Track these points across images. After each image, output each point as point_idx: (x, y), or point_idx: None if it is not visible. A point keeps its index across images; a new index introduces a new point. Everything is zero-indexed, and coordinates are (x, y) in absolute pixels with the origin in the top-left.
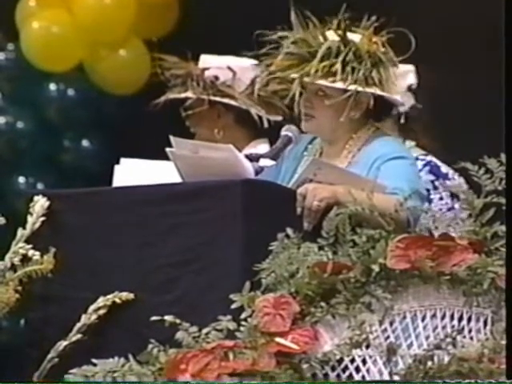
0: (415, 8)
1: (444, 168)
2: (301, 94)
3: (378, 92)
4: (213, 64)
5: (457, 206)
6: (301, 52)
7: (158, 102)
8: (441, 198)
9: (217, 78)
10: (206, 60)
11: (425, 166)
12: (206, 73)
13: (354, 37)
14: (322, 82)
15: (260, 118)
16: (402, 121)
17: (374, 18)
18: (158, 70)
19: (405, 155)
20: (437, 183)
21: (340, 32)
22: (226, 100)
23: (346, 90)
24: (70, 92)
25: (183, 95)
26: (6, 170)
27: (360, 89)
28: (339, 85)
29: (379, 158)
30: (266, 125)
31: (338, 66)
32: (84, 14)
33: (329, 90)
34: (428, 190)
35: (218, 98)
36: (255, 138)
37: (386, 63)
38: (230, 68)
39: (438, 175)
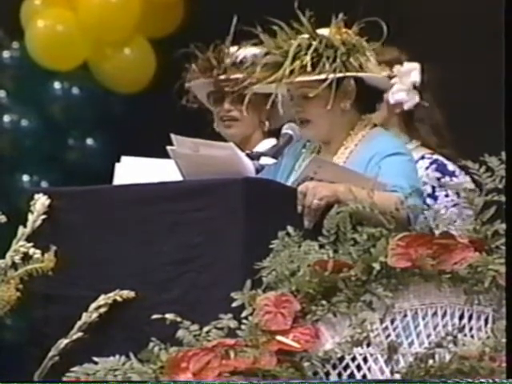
0: (417, 7)
1: (451, 166)
2: (292, 99)
3: (359, 75)
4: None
5: (461, 201)
6: (276, 59)
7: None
8: (446, 195)
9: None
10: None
11: (431, 163)
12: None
13: (324, 31)
14: (301, 78)
15: None
16: (406, 107)
17: (341, 14)
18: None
19: (402, 151)
20: (443, 180)
21: (308, 27)
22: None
23: (326, 80)
24: (75, 90)
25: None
26: (11, 168)
27: (340, 74)
28: (318, 76)
29: (377, 154)
30: None
31: (309, 58)
32: (89, 12)
33: (312, 86)
34: (433, 188)
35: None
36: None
37: (362, 49)
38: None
39: (444, 173)
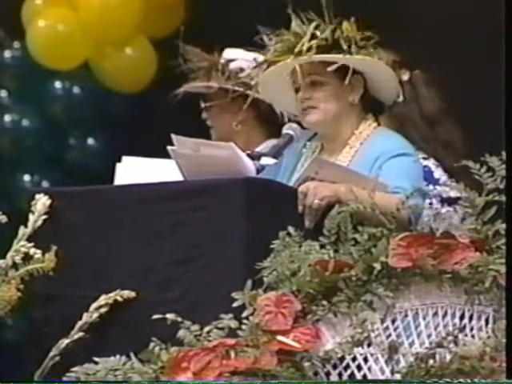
0: (417, 8)
1: (437, 173)
2: (297, 90)
3: (374, 61)
4: (238, 56)
5: (444, 211)
6: (290, 41)
7: (178, 92)
8: (430, 204)
9: (242, 69)
10: (230, 52)
11: None
12: (232, 64)
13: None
14: (318, 56)
15: (282, 113)
16: (401, 98)
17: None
18: (180, 60)
19: (407, 152)
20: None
21: (326, 15)
22: (249, 92)
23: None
24: (76, 90)
25: (205, 84)
26: (12, 168)
27: (357, 57)
28: (335, 55)
29: (382, 154)
30: (286, 120)
31: (329, 34)
32: (90, 12)
33: (321, 73)
34: None
35: (241, 89)
36: (272, 136)
37: (373, 50)
38: (255, 60)
39: (429, 181)
